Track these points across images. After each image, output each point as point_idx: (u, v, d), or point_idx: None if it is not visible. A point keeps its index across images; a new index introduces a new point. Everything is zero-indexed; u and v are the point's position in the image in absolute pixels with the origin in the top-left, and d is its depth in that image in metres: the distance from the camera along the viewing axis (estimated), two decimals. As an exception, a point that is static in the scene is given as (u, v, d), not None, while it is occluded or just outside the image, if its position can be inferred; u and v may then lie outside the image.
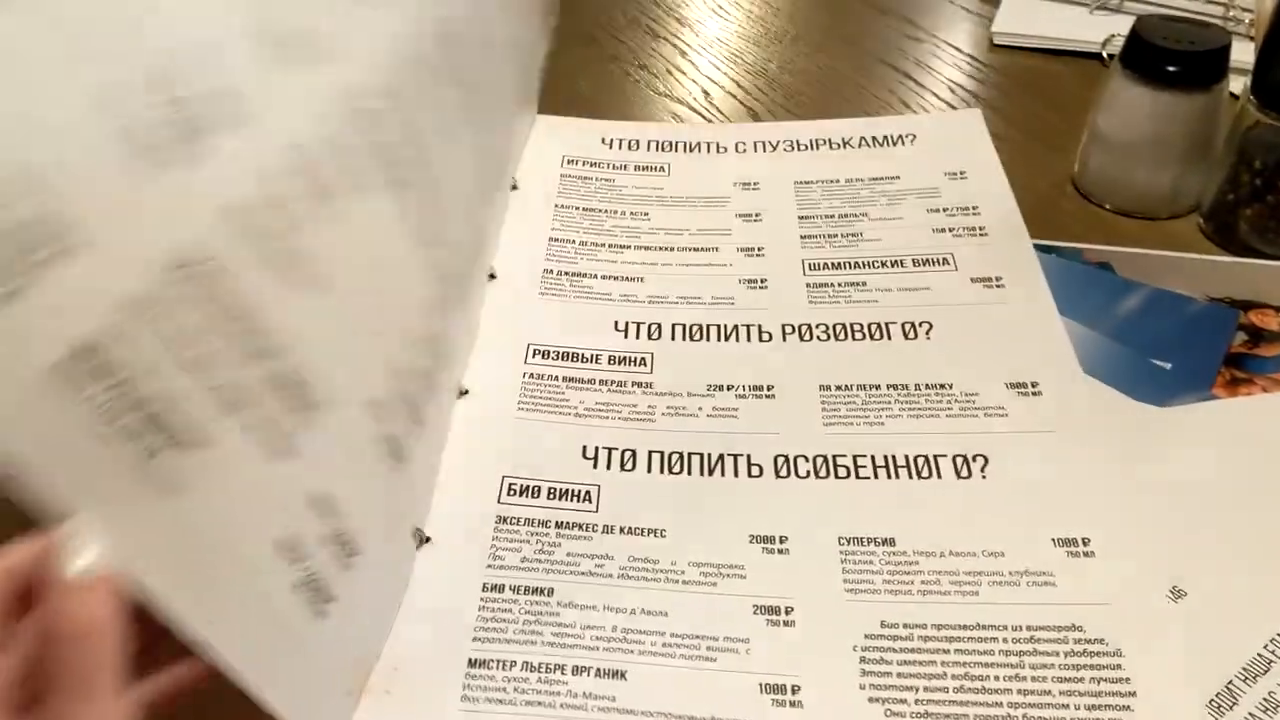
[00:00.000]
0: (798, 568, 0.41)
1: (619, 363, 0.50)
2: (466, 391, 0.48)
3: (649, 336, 0.52)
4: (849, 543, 0.42)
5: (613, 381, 0.49)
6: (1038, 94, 0.71)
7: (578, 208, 0.60)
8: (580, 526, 0.43)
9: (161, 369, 0.26)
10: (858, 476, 0.44)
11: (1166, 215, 0.60)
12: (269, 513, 0.30)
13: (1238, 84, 0.57)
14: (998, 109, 0.67)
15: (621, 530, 0.43)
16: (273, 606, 0.31)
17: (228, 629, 0.28)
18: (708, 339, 0.51)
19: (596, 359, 0.50)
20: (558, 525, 0.43)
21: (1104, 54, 0.70)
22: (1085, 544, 0.41)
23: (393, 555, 0.39)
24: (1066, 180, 0.63)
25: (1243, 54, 0.58)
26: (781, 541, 0.42)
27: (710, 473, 0.45)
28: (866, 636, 0.38)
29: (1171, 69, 0.56)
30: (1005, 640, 0.38)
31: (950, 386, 0.48)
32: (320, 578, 0.32)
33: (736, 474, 0.45)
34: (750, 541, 0.42)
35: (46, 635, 0.26)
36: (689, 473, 0.45)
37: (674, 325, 0.52)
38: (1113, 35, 0.68)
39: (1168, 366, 0.49)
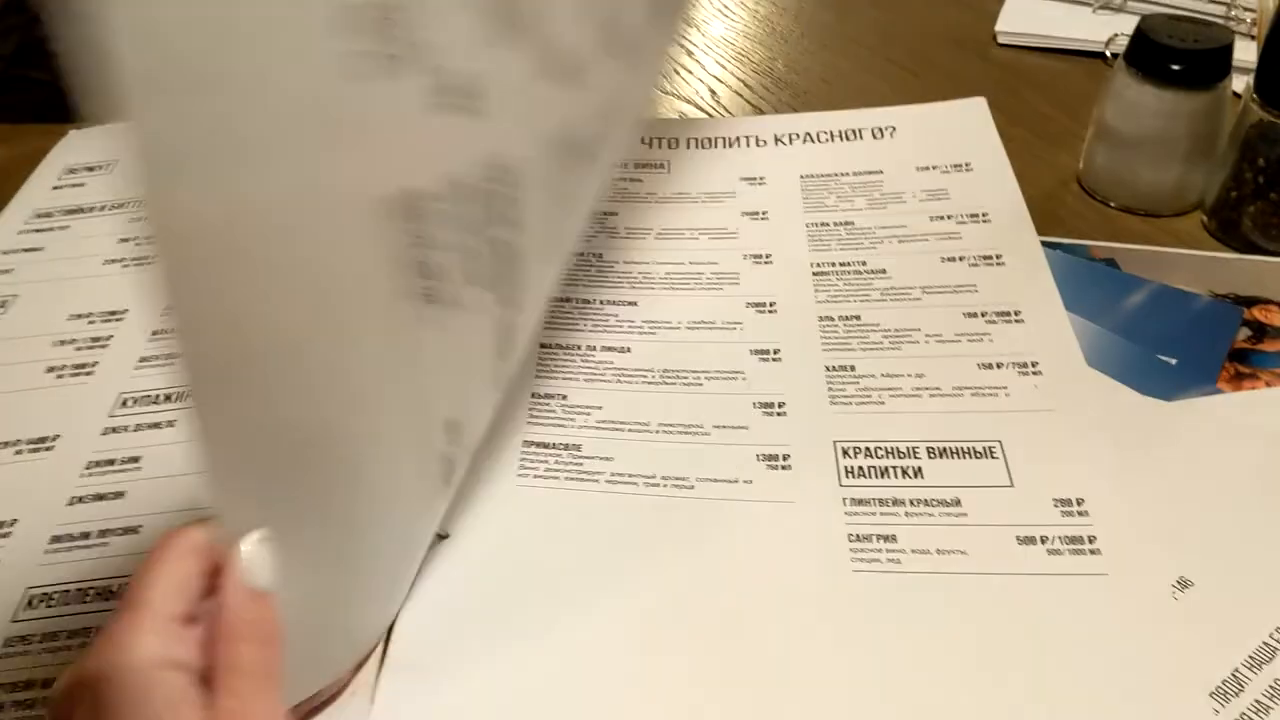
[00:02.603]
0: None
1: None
2: None
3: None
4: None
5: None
6: (1042, 92, 0.72)
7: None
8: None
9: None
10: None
11: (1171, 212, 0.60)
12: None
13: (1240, 83, 0.58)
14: (1002, 107, 0.67)
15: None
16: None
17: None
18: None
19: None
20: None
21: (1107, 53, 0.70)
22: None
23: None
24: (1071, 178, 0.63)
25: (1245, 53, 0.58)
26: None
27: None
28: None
29: (1175, 67, 0.56)
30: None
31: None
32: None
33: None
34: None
35: (227, 632, 0.29)
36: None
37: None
38: (1116, 34, 0.69)
39: (1173, 362, 0.50)
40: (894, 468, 0.44)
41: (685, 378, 0.49)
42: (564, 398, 0.49)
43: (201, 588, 0.30)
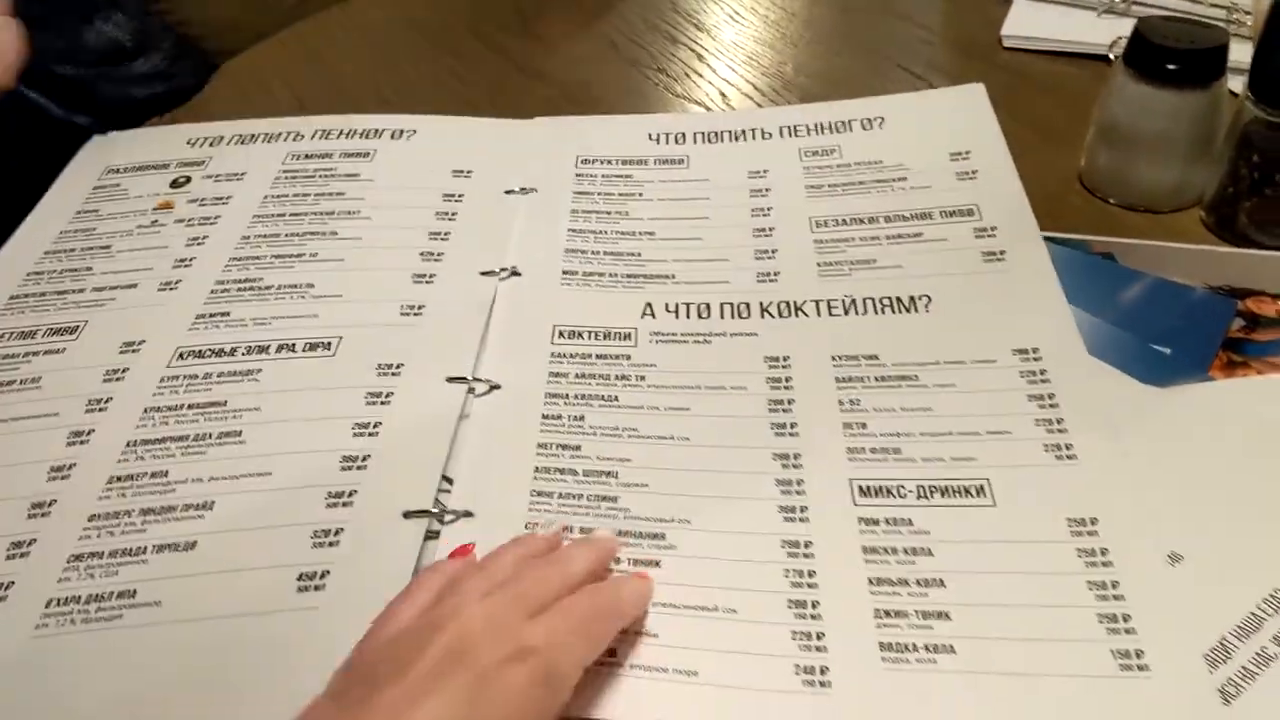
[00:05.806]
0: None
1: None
2: (498, 386, 0.51)
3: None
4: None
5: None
6: (1046, 94, 0.73)
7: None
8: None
9: None
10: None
11: (1169, 209, 0.62)
12: None
13: (1238, 83, 0.59)
14: (1008, 109, 0.69)
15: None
16: None
17: None
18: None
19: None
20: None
21: (1111, 55, 0.72)
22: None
23: None
24: (1073, 176, 0.65)
25: (1242, 55, 0.60)
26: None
27: None
28: None
29: (1172, 67, 0.58)
30: None
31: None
32: None
33: None
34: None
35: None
36: None
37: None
38: (1119, 37, 0.70)
39: (1168, 351, 0.51)
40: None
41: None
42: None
43: None
